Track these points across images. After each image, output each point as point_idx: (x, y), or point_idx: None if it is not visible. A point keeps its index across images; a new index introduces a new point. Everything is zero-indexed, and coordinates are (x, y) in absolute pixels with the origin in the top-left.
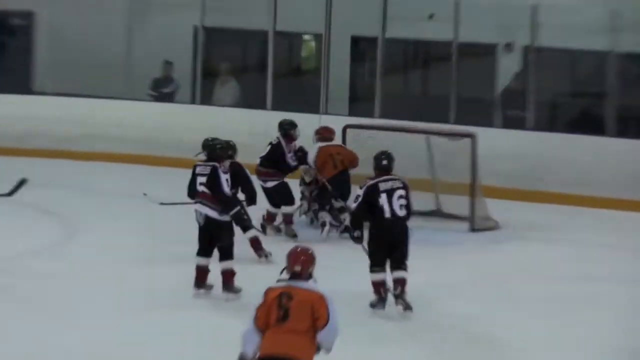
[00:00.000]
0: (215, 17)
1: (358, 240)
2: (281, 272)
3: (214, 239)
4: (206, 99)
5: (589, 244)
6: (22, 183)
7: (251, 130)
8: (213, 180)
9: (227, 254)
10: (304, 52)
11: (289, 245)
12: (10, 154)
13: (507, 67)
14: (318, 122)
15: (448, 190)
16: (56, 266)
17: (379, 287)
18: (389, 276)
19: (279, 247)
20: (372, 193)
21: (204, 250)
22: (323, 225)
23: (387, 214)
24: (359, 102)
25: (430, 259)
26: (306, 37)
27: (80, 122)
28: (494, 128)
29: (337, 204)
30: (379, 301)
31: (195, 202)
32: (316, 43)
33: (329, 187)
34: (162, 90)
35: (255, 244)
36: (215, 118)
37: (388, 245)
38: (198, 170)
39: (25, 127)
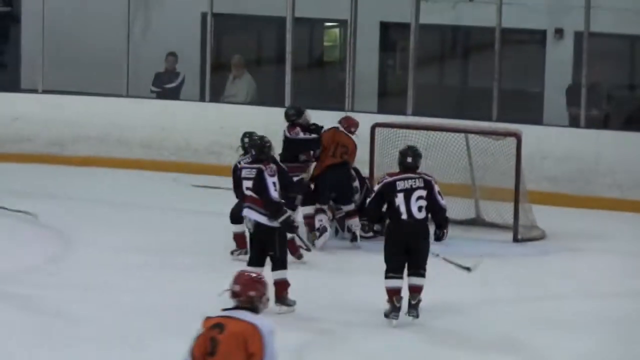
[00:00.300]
0: (225, 3)
1: (378, 233)
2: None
3: (266, 246)
4: (216, 96)
5: None
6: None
7: (267, 130)
8: (259, 184)
9: (279, 263)
10: (327, 41)
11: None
12: None
13: (557, 56)
14: None
15: (489, 196)
16: (52, 283)
17: (393, 295)
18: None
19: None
20: (387, 191)
21: (256, 260)
22: (320, 230)
23: (404, 215)
24: (389, 98)
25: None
26: (329, 23)
27: (74, 123)
28: (541, 126)
29: (346, 208)
30: (392, 310)
31: (244, 208)
32: (341, 30)
33: (310, 185)
34: (165, 85)
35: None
36: (226, 117)
37: (404, 249)
38: (244, 173)
39: (11, 129)
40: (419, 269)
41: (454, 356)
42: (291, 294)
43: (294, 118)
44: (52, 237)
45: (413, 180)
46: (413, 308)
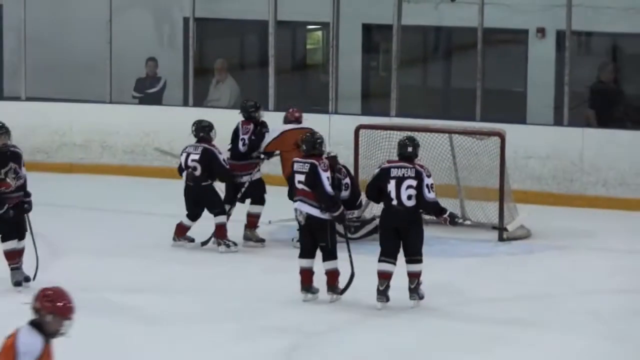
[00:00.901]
0: (207, 7)
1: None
2: None
3: (317, 238)
4: (200, 100)
5: (633, 253)
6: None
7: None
8: (313, 178)
9: (330, 253)
10: (310, 44)
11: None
12: None
13: (540, 55)
14: (328, 123)
15: (474, 196)
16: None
17: (380, 278)
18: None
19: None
20: (382, 177)
21: (308, 252)
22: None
23: (394, 202)
24: (372, 99)
25: (455, 272)
26: (312, 26)
27: (58, 130)
28: (525, 125)
29: None
30: (378, 293)
31: (295, 201)
32: (323, 33)
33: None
34: (147, 91)
35: None
36: (210, 121)
37: (395, 234)
38: (296, 167)
39: None
40: (413, 256)
41: (442, 357)
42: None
43: (252, 110)
44: (38, 244)
45: (406, 169)
46: (413, 292)
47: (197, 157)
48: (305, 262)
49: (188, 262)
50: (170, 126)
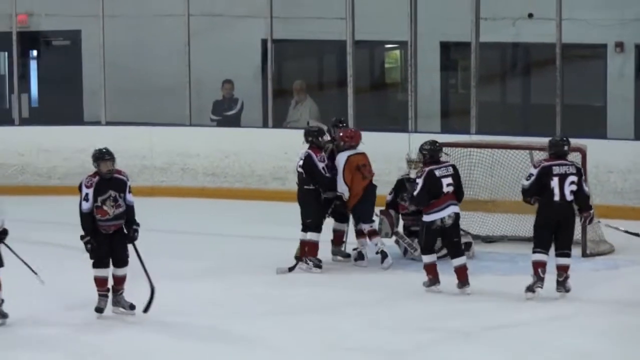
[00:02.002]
0: (285, 28)
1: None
2: None
3: (451, 235)
4: (279, 121)
5: None
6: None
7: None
8: (459, 180)
9: (460, 249)
10: (388, 63)
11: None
12: (58, 192)
13: (619, 70)
14: (407, 142)
15: None
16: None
17: (538, 267)
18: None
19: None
20: (545, 174)
21: (431, 249)
22: (357, 258)
23: (557, 197)
24: (452, 117)
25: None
26: (389, 45)
27: (139, 153)
28: (606, 139)
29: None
30: (537, 280)
31: (447, 206)
32: (401, 52)
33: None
34: (225, 113)
35: None
36: (290, 142)
37: (554, 228)
38: (439, 173)
39: (75, 162)
40: (564, 249)
41: None
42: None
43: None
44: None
45: (567, 166)
46: (561, 285)
47: (301, 162)
48: (431, 257)
49: (273, 283)
50: (250, 147)
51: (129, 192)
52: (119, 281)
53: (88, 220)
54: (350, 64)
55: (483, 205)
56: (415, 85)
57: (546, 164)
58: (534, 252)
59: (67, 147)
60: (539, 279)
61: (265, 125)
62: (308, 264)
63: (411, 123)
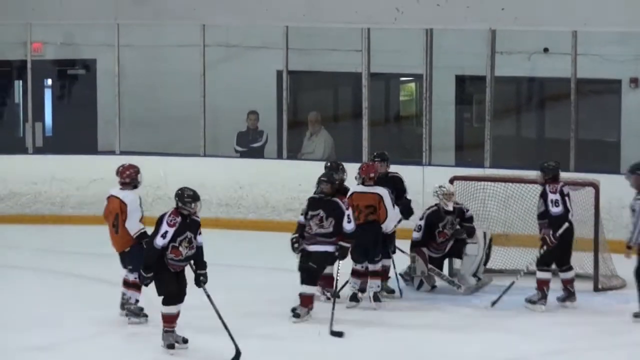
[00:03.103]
0: (301, 60)
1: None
2: None
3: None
4: (294, 152)
5: None
6: None
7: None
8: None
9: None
10: (403, 96)
11: None
12: (74, 222)
13: (633, 105)
14: (421, 174)
15: None
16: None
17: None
18: None
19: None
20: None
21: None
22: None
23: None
24: (466, 150)
25: (549, 323)
26: (405, 78)
27: (153, 183)
28: (619, 175)
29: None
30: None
31: None
32: (416, 85)
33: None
34: (252, 145)
35: None
36: (304, 173)
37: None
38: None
39: (89, 191)
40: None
41: None
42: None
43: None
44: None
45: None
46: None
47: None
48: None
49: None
50: (264, 178)
51: (200, 233)
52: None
53: (155, 255)
54: (365, 96)
55: (496, 239)
56: (430, 118)
57: (558, 186)
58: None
59: (81, 177)
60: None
61: (280, 156)
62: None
63: (425, 156)
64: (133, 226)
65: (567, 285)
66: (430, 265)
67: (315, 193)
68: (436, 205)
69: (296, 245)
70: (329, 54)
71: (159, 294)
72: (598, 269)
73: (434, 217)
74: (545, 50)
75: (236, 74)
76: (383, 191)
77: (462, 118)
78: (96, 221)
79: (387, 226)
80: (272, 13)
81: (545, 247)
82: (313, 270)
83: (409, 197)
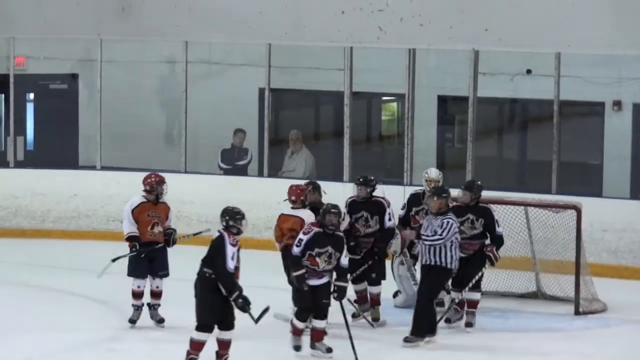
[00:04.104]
0: (283, 78)
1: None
2: None
3: None
4: (275, 170)
5: None
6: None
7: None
8: None
9: None
10: (385, 115)
11: None
12: (54, 236)
13: (616, 128)
14: (403, 194)
15: (550, 269)
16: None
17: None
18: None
19: None
20: None
21: None
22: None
23: None
24: (448, 171)
25: (529, 347)
26: (387, 98)
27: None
28: (601, 198)
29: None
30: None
31: None
32: (399, 104)
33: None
34: (237, 163)
35: None
36: (284, 192)
37: None
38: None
39: (70, 206)
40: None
41: None
42: None
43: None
44: (112, 313)
45: None
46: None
47: None
48: None
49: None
50: (244, 196)
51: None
52: (225, 346)
53: (233, 279)
54: (347, 115)
55: None
56: (412, 137)
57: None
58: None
59: (62, 191)
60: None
61: (261, 174)
62: None
63: (407, 175)
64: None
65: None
66: (404, 250)
67: (322, 225)
68: (422, 189)
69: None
70: (312, 72)
71: (200, 319)
72: (579, 292)
73: (413, 199)
74: (528, 71)
75: (218, 91)
76: (306, 215)
77: (444, 138)
78: (77, 236)
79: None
80: (255, 30)
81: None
82: (327, 305)
83: (389, 223)
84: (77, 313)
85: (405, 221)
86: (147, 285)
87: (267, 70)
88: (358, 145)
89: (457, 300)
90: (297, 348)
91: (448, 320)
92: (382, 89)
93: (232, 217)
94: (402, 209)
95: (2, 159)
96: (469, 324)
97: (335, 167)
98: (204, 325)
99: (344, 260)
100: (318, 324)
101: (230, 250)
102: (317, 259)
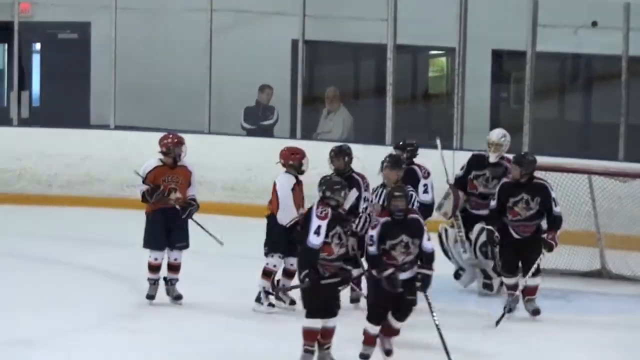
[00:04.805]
0: (319, 28)
1: None
2: None
3: None
4: (309, 132)
5: None
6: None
7: (366, 170)
8: None
9: None
10: (433, 71)
11: None
12: (62, 202)
13: None
14: (452, 160)
15: (616, 244)
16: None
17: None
18: None
19: None
20: None
21: None
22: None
23: None
24: None
25: (592, 331)
26: (435, 52)
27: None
28: None
29: None
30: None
31: None
32: (448, 59)
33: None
34: (262, 123)
35: None
36: (320, 155)
37: None
38: None
39: (80, 169)
40: None
41: None
42: None
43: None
44: (126, 289)
45: None
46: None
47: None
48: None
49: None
50: (275, 160)
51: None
52: (328, 334)
53: (316, 257)
54: (390, 71)
55: None
56: (462, 97)
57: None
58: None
59: (71, 153)
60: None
61: (293, 136)
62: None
63: (456, 139)
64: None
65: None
66: (457, 213)
67: (390, 213)
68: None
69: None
70: (351, 23)
71: (304, 306)
72: None
73: (475, 161)
74: (594, 24)
75: (247, 42)
76: (281, 180)
77: (498, 98)
78: (87, 203)
79: (281, 218)
80: None
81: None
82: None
83: (425, 196)
84: (88, 289)
85: (462, 183)
86: (165, 258)
87: (301, 20)
88: (402, 105)
89: (520, 289)
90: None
91: (510, 310)
92: (430, 42)
93: (330, 188)
94: (460, 170)
95: (4, 116)
96: (536, 312)
97: (376, 128)
98: (310, 311)
99: (428, 245)
100: (395, 324)
101: (315, 223)
102: (393, 253)
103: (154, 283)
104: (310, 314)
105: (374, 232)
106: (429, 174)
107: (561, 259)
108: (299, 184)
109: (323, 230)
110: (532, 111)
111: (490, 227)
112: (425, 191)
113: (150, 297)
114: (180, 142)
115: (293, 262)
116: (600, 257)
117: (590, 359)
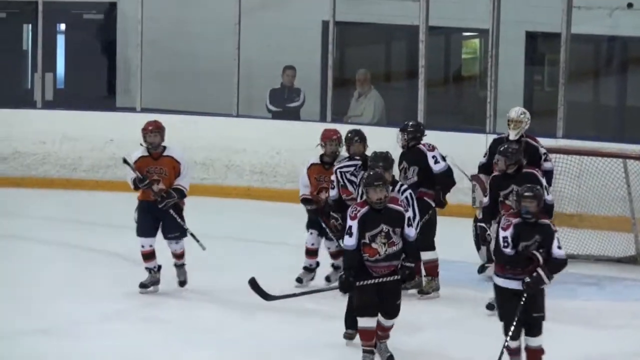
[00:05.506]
0: (350, 9)
1: None
2: None
3: None
4: (339, 115)
5: None
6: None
7: (397, 153)
8: None
9: None
10: (466, 53)
11: None
12: (86, 187)
13: None
14: (485, 143)
15: None
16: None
17: None
18: None
19: None
20: None
21: None
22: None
23: None
24: (536, 118)
25: (626, 318)
26: (468, 33)
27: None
28: None
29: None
30: None
31: None
32: (481, 41)
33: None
34: (288, 105)
35: None
36: None
37: None
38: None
39: (105, 153)
40: None
41: None
42: None
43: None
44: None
45: None
46: None
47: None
48: None
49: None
50: (305, 144)
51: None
52: (384, 330)
53: (354, 258)
54: (422, 53)
55: (568, 219)
56: (495, 79)
57: None
58: None
59: (96, 136)
60: None
61: (323, 119)
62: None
63: (490, 122)
64: None
65: None
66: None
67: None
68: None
69: None
70: (382, 4)
71: (355, 302)
72: None
73: (496, 145)
74: (630, 5)
75: (276, 23)
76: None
77: (532, 80)
78: (112, 187)
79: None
80: None
81: None
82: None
83: (437, 166)
84: (109, 276)
85: (486, 168)
86: (165, 245)
87: (332, 1)
88: (434, 87)
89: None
90: None
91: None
92: (463, 24)
93: (369, 184)
94: (484, 156)
95: (28, 98)
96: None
97: (408, 111)
98: (359, 308)
99: (558, 252)
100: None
101: (347, 223)
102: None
103: (149, 271)
104: (357, 313)
105: (507, 234)
106: (433, 147)
107: (595, 244)
108: (317, 165)
109: (354, 231)
110: (566, 94)
111: (482, 225)
112: (437, 162)
113: (143, 285)
114: (151, 130)
115: (330, 245)
116: (635, 242)
117: (624, 346)
